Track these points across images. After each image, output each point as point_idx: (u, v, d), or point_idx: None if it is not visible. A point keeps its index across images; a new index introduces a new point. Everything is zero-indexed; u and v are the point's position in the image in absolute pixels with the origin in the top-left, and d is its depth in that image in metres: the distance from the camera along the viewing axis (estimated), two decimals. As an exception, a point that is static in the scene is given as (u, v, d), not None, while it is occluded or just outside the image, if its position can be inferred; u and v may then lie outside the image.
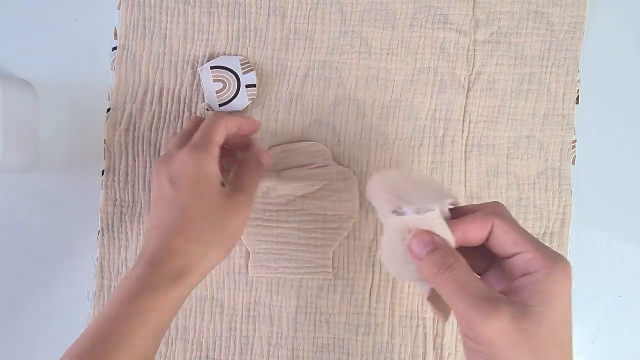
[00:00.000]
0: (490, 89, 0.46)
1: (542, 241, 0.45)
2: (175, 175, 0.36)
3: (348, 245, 0.46)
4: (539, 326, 0.26)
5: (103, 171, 0.46)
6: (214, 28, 0.46)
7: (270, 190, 0.44)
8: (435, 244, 0.28)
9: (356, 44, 0.46)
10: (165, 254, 0.34)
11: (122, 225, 0.46)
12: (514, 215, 0.45)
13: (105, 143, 0.46)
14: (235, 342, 0.46)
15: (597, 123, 0.47)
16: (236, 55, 0.46)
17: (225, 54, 0.46)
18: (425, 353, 0.45)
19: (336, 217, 0.45)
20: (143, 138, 0.46)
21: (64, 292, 0.46)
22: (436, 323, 0.45)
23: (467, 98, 0.46)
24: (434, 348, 0.45)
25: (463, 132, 0.46)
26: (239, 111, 0.46)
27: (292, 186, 0.44)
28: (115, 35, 0.47)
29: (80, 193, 0.47)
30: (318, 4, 0.46)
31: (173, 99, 0.46)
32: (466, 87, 0.46)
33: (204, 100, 0.45)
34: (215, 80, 0.45)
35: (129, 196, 0.46)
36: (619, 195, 0.47)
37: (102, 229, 0.46)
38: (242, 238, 0.45)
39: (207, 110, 0.45)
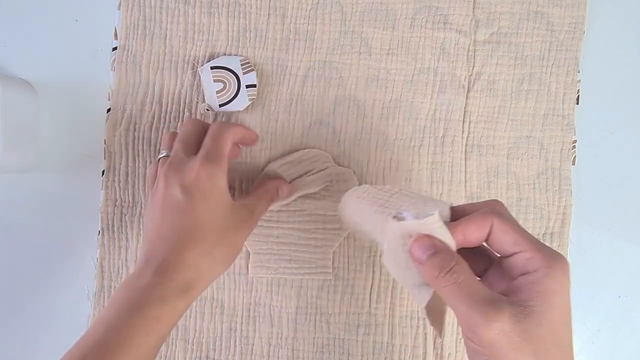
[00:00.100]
0: (490, 89, 0.46)
1: (542, 241, 0.46)
2: (188, 186, 0.36)
3: (348, 245, 0.46)
4: (538, 326, 0.26)
5: (103, 171, 0.46)
6: (214, 28, 0.46)
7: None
8: (435, 248, 0.28)
9: (356, 44, 0.46)
10: (176, 265, 0.34)
11: (122, 225, 0.46)
12: (513, 215, 0.46)
13: (105, 143, 0.46)
14: (235, 342, 0.46)
15: (597, 123, 0.47)
16: (236, 55, 0.46)
17: (225, 54, 0.46)
18: (425, 353, 0.45)
19: (336, 217, 0.45)
20: (143, 138, 0.46)
21: (64, 292, 0.46)
22: (436, 323, 0.46)
23: (467, 98, 0.46)
24: (434, 348, 0.45)
25: (463, 132, 0.46)
26: (239, 111, 0.46)
27: (295, 196, 0.45)
28: (115, 35, 0.47)
29: (80, 193, 0.47)
30: (318, 4, 0.46)
31: (173, 99, 0.46)
32: (466, 87, 0.46)
33: (204, 100, 0.45)
34: (215, 80, 0.45)
35: (129, 196, 0.46)
36: (619, 195, 0.47)
37: (102, 229, 0.46)
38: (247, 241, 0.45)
39: (207, 110, 0.45)
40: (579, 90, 0.46)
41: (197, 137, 0.40)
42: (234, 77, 0.45)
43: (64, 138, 0.47)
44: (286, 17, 0.46)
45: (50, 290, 0.46)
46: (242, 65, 0.45)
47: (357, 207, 0.35)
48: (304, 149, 0.46)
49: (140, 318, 0.32)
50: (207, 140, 0.38)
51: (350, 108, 0.46)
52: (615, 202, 0.47)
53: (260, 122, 0.46)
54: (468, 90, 0.46)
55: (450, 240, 0.29)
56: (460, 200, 0.46)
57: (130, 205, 0.46)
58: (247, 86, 0.45)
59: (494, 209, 0.30)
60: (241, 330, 0.46)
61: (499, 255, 0.30)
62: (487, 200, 0.32)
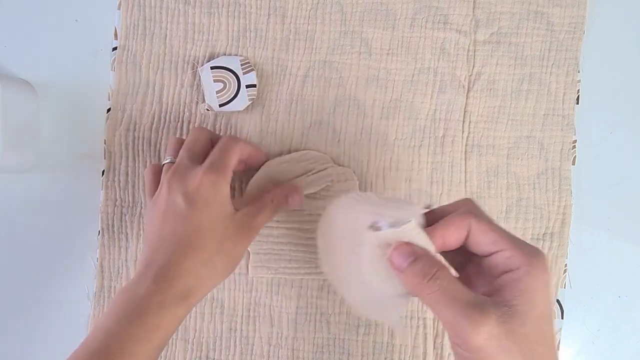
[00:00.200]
0: (490, 89, 0.46)
1: (542, 241, 0.46)
2: (191, 193, 0.36)
3: (348, 245, 0.46)
4: (523, 325, 0.26)
5: (103, 171, 0.46)
6: (214, 28, 0.46)
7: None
8: (415, 254, 0.28)
9: (356, 44, 0.46)
10: (176, 272, 0.34)
11: (122, 225, 0.46)
12: (513, 215, 0.46)
13: (105, 143, 0.46)
14: (235, 342, 0.46)
15: (597, 123, 0.47)
16: (236, 55, 0.46)
17: (225, 54, 0.46)
18: (425, 353, 0.45)
19: None
20: (143, 138, 0.46)
21: (64, 292, 0.46)
22: (436, 323, 0.45)
23: (467, 98, 0.46)
24: (434, 348, 0.45)
25: (463, 132, 0.46)
26: (239, 111, 0.46)
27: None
28: (115, 35, 0.47)
29: (80, 193, 0.47)
30: (318, 4, 0.46)
31: (173, 99, 0.46)
32: (466, 87, 0.46)
33: (204, 100, 0.45)
34: (215, 80, 0.45)
35: (129, 196, 0.46)
36: (619, 195, 0.47)
37: (102, 229, 0.46)
38: None
39: (207, 110, 0.45)
40: (579, 90, 0.46)
41: (204, 146, 0.40)
42: (234, 77, 0.45)
43: (64, 138, 0.47)
44: (286, 17, 0.46)
45: (50, 290, 0.46)
46: (242, 65, 0.45)
47: (340, 219, 0.34)
48: (303, 149, 0.46)
49: (140, 325, 0.32)
50: (215, 151, 0.38)
51: (350, 108, 0.46)
52: (615, 202, 0.47)
53: (260, 122, 0.46)
54: (468, 90, 0.46)
55: (429, 246, 0.29)
56: (433, 202, 0.46)
57: (130, 205, 0.46)
58: (247, 86, 0.45)
59: (470, 210, 0.29)
60: (241, 330, 0.46)
61: (478, 255, 0.30)
62: (459, 201, 0.31)
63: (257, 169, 0.44)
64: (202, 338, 0.46)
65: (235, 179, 0.46)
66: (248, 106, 0.45)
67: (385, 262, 0.29)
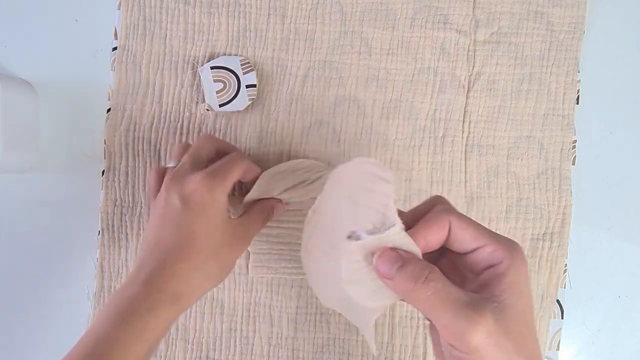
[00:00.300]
0: (490, 89, 0.46)
1: (542, 241, 0.46)
2: (187, 196, 0.36)
3: (348, 245, 0.46)
4: (514, 319, 0.26)
5: (103, 171, 0.46)
6: (214, 28, 0.46)
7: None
8: (402, 259, 0.27)
9: (356, 44, 0.46)
10: (166, 276, 0.34)
11: (122, 225, 0.46)
12: (513, 215, 0.46)
13: (105, 143, 0.46)
14: (235, 342, 0.46)
15: (597, 123, 0.47)
16: (236, 55, 0.46)
17: (225, 54, 0.46)
18: (425, 353, 0.45)
19: None
20: (143, 138, 0.46)
21: (64, 292, 0.46)
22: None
23: (467, 98, 0.46)
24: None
25: (463, 132, 0.46)
26: (239, 111, 0.46)
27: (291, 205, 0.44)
28: (115, 35, 0.47)
29: (80, 193, 0.47)
30: (318, 4, 0.46)
31: (173, 99, 0.46)
32: (466, 87, 0.46)
33: (204, 100, 0.45)
34: (215, 80, 0.45)
35: (129, 196, 0.46)
36: (619, 195, 0.47)
37: (102, 229, 0.46)
38: None
39: (207, 110, 0.45)
40: (579, 90, 0.46)
41: (208, 154, 0.40)
42: (234, 77, 0.45)
43: (64, 138, 0.47)
44: (286, 17, 0.46)
45: (50, 290, 0.46)
46: (242, 65, 0.45)
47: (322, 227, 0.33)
48: (303, 150, 0.46)
49: (128, 328, 0.32)
50: (219, 161, 0.38)
51: (350, 108, 0.46)
52: (615, 202, 0.47)
53: (260, 122, 0.46)
54: (468, 90, 0.46)
55: (415, 249, 0.28)
56: (460, 200, 0.46)
57: (130, 205, 0.46)
58: (247, 86, 0.45)
59: (447, 207, 0.29)
60: (241, 330, 0.46)
61: (458, 253, 0.30)
62: (430, 200, 0.31)
63: (261, 170, 0.44)
64: (202, 338, 0.46)
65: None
66: (248, 106, 0.45)
67: (366, 272, 0.28)
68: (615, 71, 0.47)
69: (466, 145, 0.46)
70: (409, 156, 0.46)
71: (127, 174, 0.46)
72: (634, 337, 0.47)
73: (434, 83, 0.46)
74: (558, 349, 0.46)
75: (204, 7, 0.46)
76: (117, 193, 0.46)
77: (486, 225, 0.45)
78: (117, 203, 0.46)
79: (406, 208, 0.31)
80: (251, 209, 0.40)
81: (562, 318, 0.46)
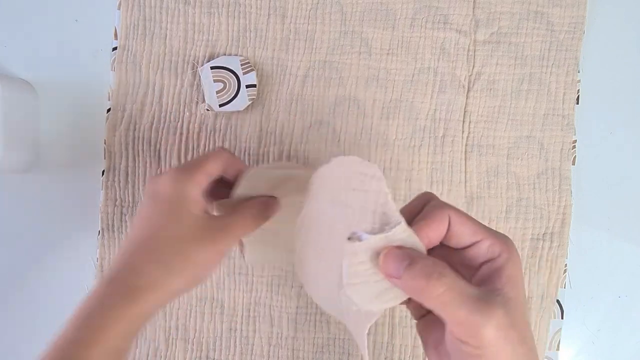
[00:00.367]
0: (490, 89, 0.46)
1: (542, 241, 0.46)
2: (156, 191, 0.35)
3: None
4: (517, 311, 0.26)
5: (103, 171, 0.46)
6: (214, 28, 0.46)
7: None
8: (410, 257, 0.26)
9: (356, 44, 0.46)
10: (123, 272, 0.33)
11: (122, 225, 0.46)
12: (513, 215, 0.46)
13: (105, 143, 0.46)
14: (235, 342, 0.46)
15: (597, 123, 0.47)
16: (236, 55, 0.46)
17: (225, 54, 0.46)
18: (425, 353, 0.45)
19: None
20: (143, 138, 0.46)
21: (64, 292, 0.46)
22: (436, 323, 0.45)
23: (467, 98, 0.46)
24: (434, 348, 0.45)
25: (463, 132, 0.46)
26: (239, 111, 0.46)
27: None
28: (115, 35, 0.47)
29: (80, 193, 0.47)
30: (318, 4, 0.46)
31: (173, 99, 0.46)
32: (466, 87, 0.46)
33: (204, 100, 0.45)
34: (215, 80, 0.45)
35: (129, 196, 0.46)
36: (619, 195, 0.47)
37: (102, 229, 0.46)
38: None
39: (207, 110, 0.45)
40: (579, 90, 0.46)
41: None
42: (234, 77, 0.45)
43: (64, 138, 0.47)
44: (286, 17, 0.46)
45: (50, 290, 0.46)
46: (242, 65, 0.45)
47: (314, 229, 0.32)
48: (298, 158, 0.44)
49: (85, 328, 0.31)
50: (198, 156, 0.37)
51: (350, 108, 0.46)
52: (615, 202, 0.47)
53: (260, 122, 0.46)
54: (468, 90, 0.46)
55: (420, 245, 0.27)
56: (460, 200, 0.46)
57: (130, 205, 0.46)
58: (247, 86, 0.45)
59: (444, 203, 0.29)
60: (241, 330, 0.46)
61: (454, 248, 0.29)
62: (420, 196, 0.31)
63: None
64: (202, 338, 0.46)
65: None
66: (248, 106, 0.45)
67: (370, 273, 0.27)
68: (615, 71, 0.47)
69: (466, 145, 0.46)
70: (409, 156, 0.46)
71: (127, 174, 0.46)
72: (634, 337, 0.47)
73: (434, 83, 0.46)
74: (558, 349, 0.46)
75: (204, 7, 0.46)
76: (117, 193, 0.46)
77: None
78: (117, 203, 0.46)
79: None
80: (238, 207, 0.37)
81: (562, 318, 0.46)
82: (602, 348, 0.47)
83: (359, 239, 0.27)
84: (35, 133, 0.46)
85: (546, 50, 0.46)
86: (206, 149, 0.46)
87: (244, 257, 0.43)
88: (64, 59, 0.47)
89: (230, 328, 0.46)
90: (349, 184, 0.29)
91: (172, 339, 0.46)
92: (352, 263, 0.27)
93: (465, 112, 0.46)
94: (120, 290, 0.32)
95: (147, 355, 0.46)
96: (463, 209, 0.45)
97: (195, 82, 0.46)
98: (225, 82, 0.45)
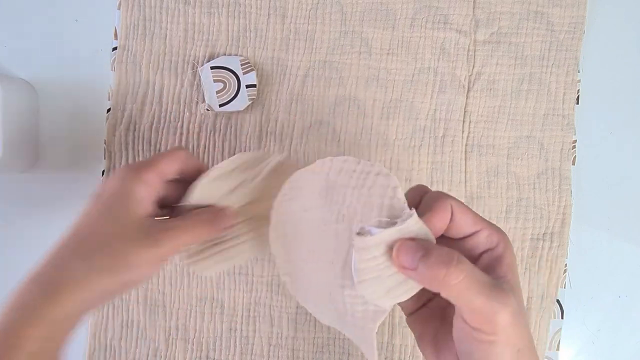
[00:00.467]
0: (490, 89, 0.46)
1: (542, 241, 0.46)
2: (100, 191, 0.33)
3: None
4: (520, 297, 0.27)
5: (103, 171, 0.46)
6: (214, 28, 0.46)
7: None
8: (424, 248, 0.26)
9: (356, 44, 0.46)
10: (41, 266, 0.31)
11: (122, 225, 0.46)
12: (513, 215, 0.46)
13: (105, 143, 0.46)
14: (235, 342, 0.46)
15: (597, 123, 0.47)
16: (236, 55, 0.46)
17: (225, 54, 0.46)
18: (425, 353, 0.45)
19: None
20: (143, 138, 0.46)
21: (64, 292, 0.46)
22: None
23: (467, 98, 0.46)
24: (434, 348, 0.45)
25: (463, 132, 0.46)
26: (239, 111, 0.46)
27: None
28: (115, 35, 0.47)
29: (80, 193, 0.46)
30: (318, 4, 0.46)
31: (173, 99, 0.46)
32: (466, 87, 0.46)
33: (204, 100, 0.45)
34: (215, 80, 0.45)
35: (129, 196, 0.46)
36: (619, 195, 0.47)
37: (102, 229, 0.46)
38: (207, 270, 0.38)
39: (207, 110, 0.45)
40: (579, 90, 0.46)
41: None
42: (234, 77, 0.45)
43: (64, 138, 0.47)
44: (286, 17, 0.46)
45: (50, 290, 0.46)
46: (242, 65, 0.45)
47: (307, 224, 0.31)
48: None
49: (7, 328, 0.28)
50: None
51: (350, 108, 0.46)
52: (615, 202, 0.47)
53: (260, 122, 0.46)
54: (468, 90, 0.46)
55: (431, 236, 0.27)
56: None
57: (130, 205, 0.46)
58: (247, 86, 0.45)
59: (442, 193, 0.29)
60: (241, 330, 0.46)
61: (454, 238, 0.29)
62: (415, 187, 0.30)
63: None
64: (202, 338, 0.46)
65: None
66: (248, 106, 0.45)
67: (383, 267, 0.27)
68: (615, 71, 0.47)
69: (466, 145, 0.46)
70: (409, 156, 0.46)
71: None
72: (634, 337, 0.47)
73: (434, 83, 0.46)
74: (558, 349, 0.46)
75: (204, 7, 0.46)
76: (117, 193, 0.46)
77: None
78: (117, 203, 0.46)
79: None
80: (189, 213, 0.35)
81: (562, 318, 0.46)
82: (602, 348, 0.47)
83: (370, 234, 0.27)
84: (35, 133, 0.46)
85: (546, 50, 0.46)
86: (206, 149, 0.46)
87: (247, 270, 0.42)
88: (64, 59, 0.47)
89: (230, 328, 0.46)
90: (348, 182, 0.29)
91: (172, 339, 0.46)
92: (362, 259, 0.27)
93: (465, 112, 0.46)
94: (38, 287, 0.30)
95: (147, 355, 0.46)
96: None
97: (195, 82, 0.46)
98: (225, 82, 0.45)
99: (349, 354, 0.46)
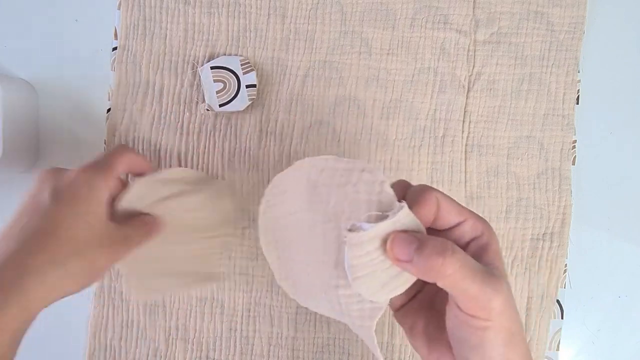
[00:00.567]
0: (490, 89, 0.46)
1: (542, 241, 0.46)
2: (61, 188, 0.32)
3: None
4: (508, 283, 0.27)
5: (103, 171, 0.46)
6: (214, 28, 0.46)
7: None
8: (417, 240, 0.26)
9: (356, 44, 0.46)
10: (13, 271, 0.29)
11: (122, 225, 0.46)
12: (513, 215, 0.46)
13: (105, 143, 0.46)
14: (235, 342, 0.46)
15: (597, 123, 0.47)
16: (236, 55, 0.46)
17: (225, 54, 0.46)
18: (425, 353, 0.45)
19: (210, 224, 0.42)
20: (143, 138, 0.46)
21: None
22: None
23: (467, 98, 0.46)
24: (434, 348, 0.45)
25: (463, 132, 0.46)
26: (239, 111, 0.46)
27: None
28: (115, 35, 0.47)
29: (80, 193, 0.46)
30: (318, 4, 0.46)
31: (173, 99, 0.46)
32: (466, 87, 0.46)
33: (204, 100, 0.45)
34: (215, 80, 0.45)
35: (129, 196, 0.46)
36: (619, 195, 0.47)
37: (102, 229, 0.46)
38: (122, 265, 0.38)
39: (207, 110, 0.45)
40: (579, 90, 0.46)
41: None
42: (234, 77, 0.45)
43: (64, 138, 0.47)
44: (286, 17, 0.46)
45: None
46: (242, 65, 0.45)
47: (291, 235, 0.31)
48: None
49: None
50: (101, 155, 0.35)
51: (350, 108, 0.46)
52: (615, 202, 0.47)
53: (260, 122, 0.46)
54: (468, 90, 0.46)
55: (422, 228, 0.27)
56: (460, 200, 0.46)
57: (130, 205, 0.46)
58: (247, 86, 0.45)
59: (428, 186, 0.29)
60: (241, 330, 0.46)
61: (440, 230, 0.29)
62: (398, 182, 0.30)
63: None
64: (202, 338, 0.46)
65: (236, 179, 0.45)
66: (248, 106, 0.45)
67: (378, 262, 0.27)
68: (615, 71, 0.47)
69: (466, 145, 0.46)
70: (409, 156, 0.46)
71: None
72: (634, 337, 0.47)
73: (434, 83, 0.46)
74: (558, 349, 0.46)
75: (204, 7, 0.46)
76: (117, 193, 0.46)
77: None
78: (117, 203, 0.46)
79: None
80: (135, 219, 0.36)
81: (562, 318, 0.46)
82: (602, 348, 0.47)
83: (362, 229, 0.26)
84: (35, 133, 0.46)
85: (546, 50, 0.46)
86: (206, 149, 0.46)
87: (247, 271, 0.43)
88: (64, 59, 0.47)
89: (230, 328, 0.46)
90: (331, 181, 0.28)
91: (172, 339, 0.46)
92: (356, 255, 0.26)
93: (465, 112, 0.46)
94: (11, 298, 0.28)
95: (147, 355, 0.46)
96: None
97: (195, 82, 0.46)
98: (225, 82, 0.45)
99: (349, 354, 0.46)
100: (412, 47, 0.46)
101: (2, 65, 0.47)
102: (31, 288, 0.29)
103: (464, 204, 0.45)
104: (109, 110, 0.46)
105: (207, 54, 0.46)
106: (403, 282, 0.27)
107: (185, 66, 0.46)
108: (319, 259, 0.29)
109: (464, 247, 0.28)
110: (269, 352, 0.46)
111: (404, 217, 0.26)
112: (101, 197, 0.33)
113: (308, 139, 0.46)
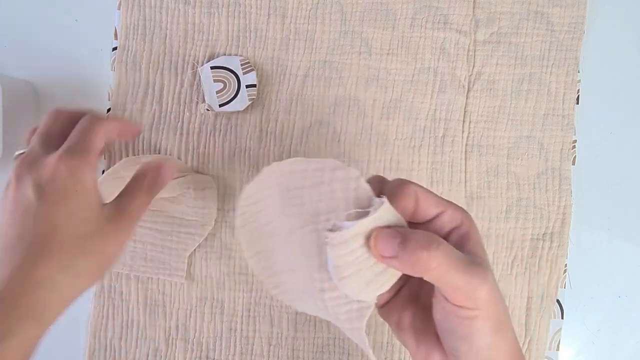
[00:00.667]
0: (490, 89, 0.46)
1: (542, 241, 0.46)
2: (43, 184, 0.30)
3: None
4: (490, 271, 0.27)
5: (103, 171, 0.46)
6: (214, 28, 0.46)
7: None
8: (401, 234, 0.25)
9: (356, 44, 0.46)
10: (24, 286, 0.28)
11: (122, 225, 0.46)
12: (513, 215, 0.46)
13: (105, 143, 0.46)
14: (235, 342, 0.46)
15: (597, 123, 0.47)
16: (236, 55, 0.46)
17: (225, 54, 0.46)
18: (425, 353, 0.45)
19: (193, 222, 0.44)
20: (143, 138, 0.46)
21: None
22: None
23: (467, 98, 0.46)
24: (434, 348, 0.45)
25: (463, 132, 0.46)
26: (239, 111, 0.46)
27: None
28: (115, 35, 0.47)
29: (80, 193, 0.46)
30: (318, 4, 0.46)
31: (173, 99, 0.46)
32: (466, 87, 0.46)
33: (204, 100, 0.45)
34: (215, 80, 0.45)
35: (129, 196, 0.46)
36: (619, 195, 0.47)
37: (102, 229, 0.46)
38: None
39: (207, 110, 0.45)
40: (579, 90, 0.46)
41: (62, 131, 0.33)
42: (234, 77, 0.45)
43: (64, 138, 0.47)
44: (286, 17, 0.46)
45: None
46: (242, 65, 0.45)
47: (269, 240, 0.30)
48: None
49: None
50: (73, 133, 0.32)
51: (350, 108, 0.46)
52: (615, 202, 0.47)
53: (260, 122, 0.46)
54: (468, 90, 0.46)
55: (404, 223, 0.27)
56: (460, 200, 0.46)
57: (130, 205, 0.46)
58: (247, 86, 0.45)
59: (405, 179, 0.29)
60: (241, 330, 0.46)
61: (420, 222, 0.29)
62: (374, 177, 0.30)
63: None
64: (202, 338, 0.46)
65: (236, 178, 0.45)
66: (248, 106, 0.45)
67: (363, 259, 0.26)
68: (615, 71, 0.47)
69: (466, 145, 0.46)
70: (409, 156, 0.46)
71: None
72: (634, 337, 0.47)
73: (434, 83, 0.46)
74: (558, 349, 0.46)
75: (204, 7, 0.46)
76: (117, 193, 0.46)
77: (486, 225, 0.46)
78: (117, 203, 0.46)
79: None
80: (128, 185, 0.34)
81: (562, 318, 0.46)
82: (602, 348, 0.47)
83: (344, 228, 0.25)
84: (35, 133, 0.46)
85: (546, 50, 0.46)
86: (206, 149, 0.46)
87: (247, 270, 0.43)
88: (64, 59, 0.47)
89: (230, 328, 0.46)
90: (302, 183, 0.28)
91: (172, 339, 0.46)
92: (339, 255, 0.26)
93: (465, 112, 0.46)
94: (24, 312, 0.28)
95: (147, 355, 0.46)
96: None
97: (195, 82, 0.46)
98: (225, 82, 0.45)
99: (348, 354, 0.46)
100: (412, 47, 0.46)
101: (2, 65, 0.47)
102: (47, 297, 0.29)
103: (464, 204, 0.46)
104: (109, 110, 0.46)
105: (207, 54, 0.46)
106: (388, 278, 0.27)
107: (185, 66, 0.46)
108: (301, 265, 0.29)
109: (445, 237, 0.28)
110: (269, 352, 0.46)
111: (385, 212, 0.26)
112: (89, 184, 0.31)
113: (308, 139, 0.46)
